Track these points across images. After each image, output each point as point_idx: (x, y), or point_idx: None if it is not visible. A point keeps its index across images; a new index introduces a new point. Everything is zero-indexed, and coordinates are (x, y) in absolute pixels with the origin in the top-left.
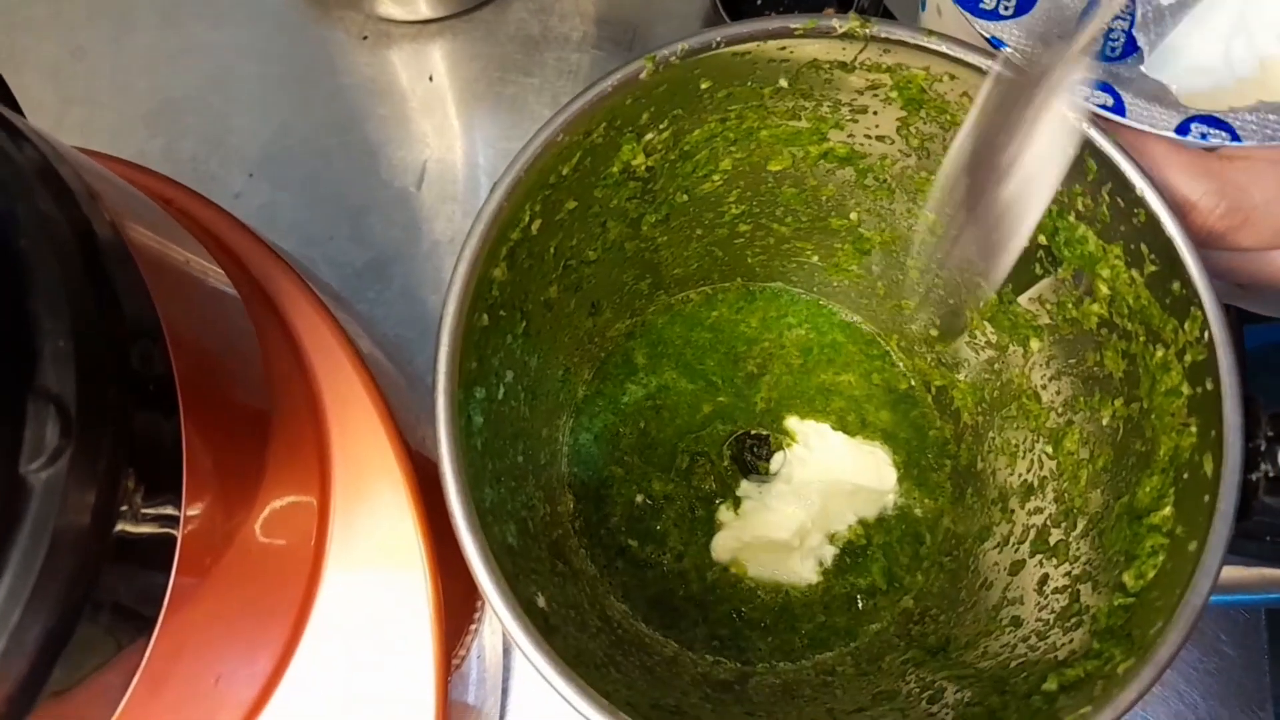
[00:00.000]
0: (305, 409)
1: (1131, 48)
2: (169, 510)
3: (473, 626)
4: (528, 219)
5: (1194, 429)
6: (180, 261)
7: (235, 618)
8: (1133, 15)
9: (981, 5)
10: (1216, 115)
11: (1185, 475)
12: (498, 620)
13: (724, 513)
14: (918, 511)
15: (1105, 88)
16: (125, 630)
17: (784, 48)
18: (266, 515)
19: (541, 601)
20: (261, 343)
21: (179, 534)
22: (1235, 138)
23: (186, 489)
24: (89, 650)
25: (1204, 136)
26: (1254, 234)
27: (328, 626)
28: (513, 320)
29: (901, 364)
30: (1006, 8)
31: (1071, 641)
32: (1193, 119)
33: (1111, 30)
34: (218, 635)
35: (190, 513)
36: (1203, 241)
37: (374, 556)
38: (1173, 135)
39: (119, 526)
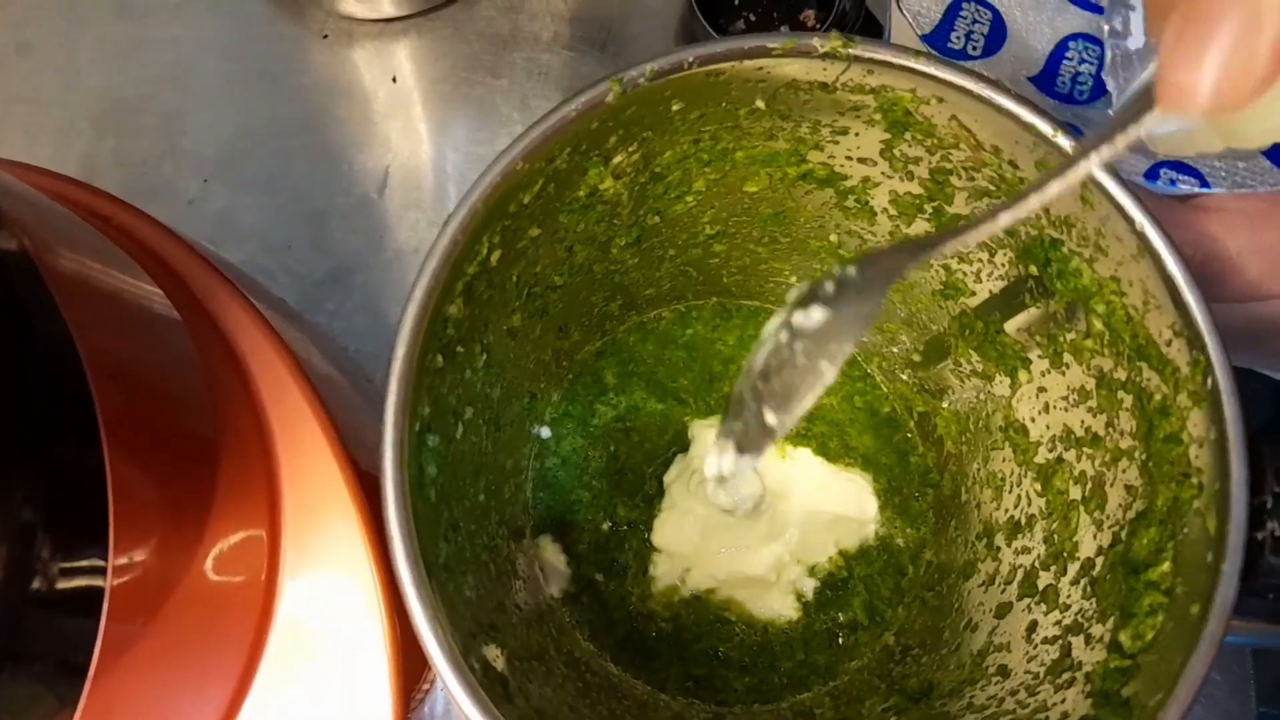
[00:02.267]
0: (253, 438)
1: (1100, 91)
2: (94, 559)
3: None
4: (486, 251)
5: (1195, 481)
6: (110, 286)
7: (178, 663)
8: (1101, 59)
9: (950, 45)
10: (1185, 161)
11: (1185, 530)
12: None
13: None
14: (899, 541)
15: (1075, 130)
16: (53, 684)
17: (761, 68)
18: (211, 553)
19: (501, 663)
20: (206, 370)
21: (106, 584)
22: (1204, 184)
23: (115, 532)
24: (10, 707)
25: (1173, 183)
26: (1229, 286)
27: (280, 667)
28: (471, 354)
29: (884, 387)
30: (975, 48)
31: (1064, 702)
32: (1161, 164)
33: (1079, 74)
34: (158, 683)
35: (119, 560)
36: None
37: (328, 591)
38: (1141, 180)
39: (36, 580)
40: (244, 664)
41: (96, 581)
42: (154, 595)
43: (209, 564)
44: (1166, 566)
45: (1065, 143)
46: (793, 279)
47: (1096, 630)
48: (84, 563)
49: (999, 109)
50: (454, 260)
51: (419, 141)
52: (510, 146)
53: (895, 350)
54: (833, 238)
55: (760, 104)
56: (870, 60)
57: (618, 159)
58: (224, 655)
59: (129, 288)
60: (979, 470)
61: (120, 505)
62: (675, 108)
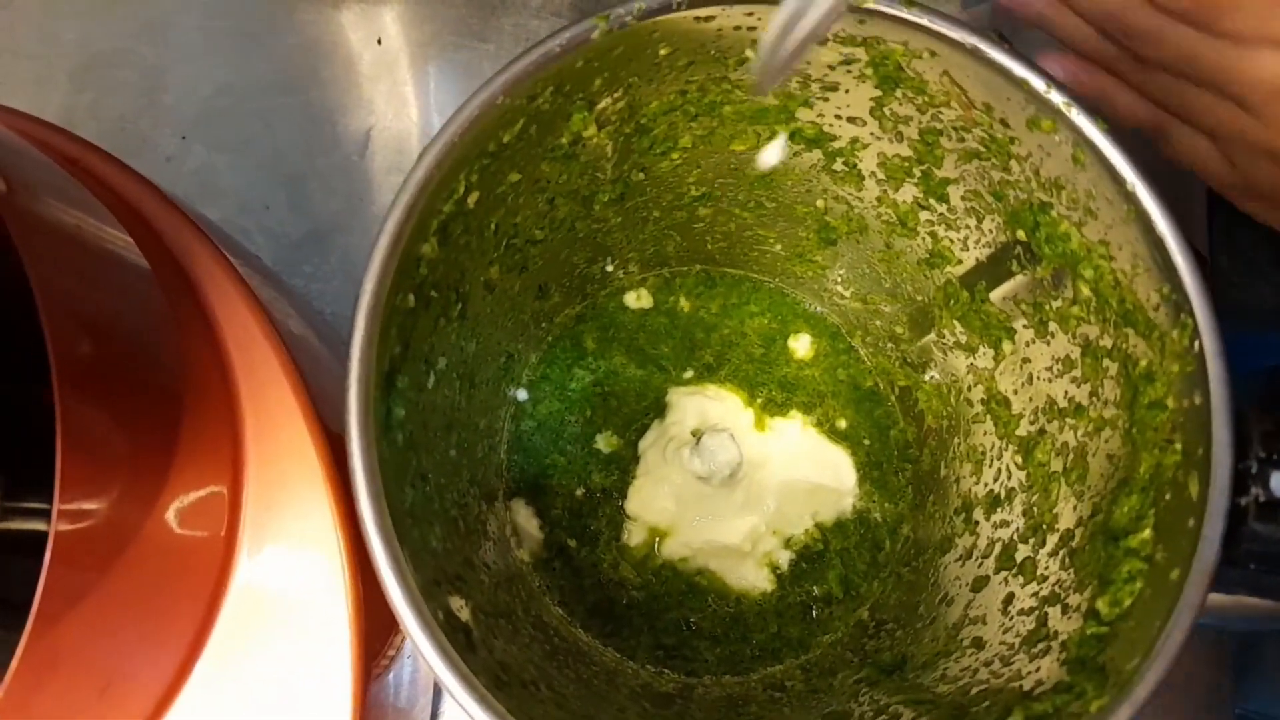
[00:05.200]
0: (219, 394)
1: None
2: (37, 503)
3: None
4: (463, 190)
5: (1179, 446)
6: (74, 228)
7: (127, 618)
8: None
9: None
10: None
11: (1167, 496)
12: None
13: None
14: (877, 516)
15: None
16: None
17: (751, 13)
18: (168, 506)
19: (466, 614)
20: (174, 321)
21: (50, 528)
22: None
23: (61, 476)
24: None
25: None
26: (1239, 16)
27: (237, 627)
28: (446, 302)
29: (868, 360)
30: None
31: (1038, 670)
32: None
33: None
34: (107, 637)
35: (66, 506)
36: (1181, 15)
37: (290, 552)
38: None
39: None
40: (199, 622)
41: (39, 525)
42: (104, 545)
43: (166, 518)
44: (1147, 534)
45: (1058, 98)
46: (778, 247)
47: (1074, 600)
48: (29, 504)
49: (991, 64)
50: (429, 194)
51: (403, 105)
52: (491, 79)
53: (879, 323)
54: (819, 203)
55: (750, 54)
56: (861, 9)
57: (602, 104)
58: (178, 612)
59: (93, 230)
60: (959, 445)
61: (69, 449)
62: (663, 52)
